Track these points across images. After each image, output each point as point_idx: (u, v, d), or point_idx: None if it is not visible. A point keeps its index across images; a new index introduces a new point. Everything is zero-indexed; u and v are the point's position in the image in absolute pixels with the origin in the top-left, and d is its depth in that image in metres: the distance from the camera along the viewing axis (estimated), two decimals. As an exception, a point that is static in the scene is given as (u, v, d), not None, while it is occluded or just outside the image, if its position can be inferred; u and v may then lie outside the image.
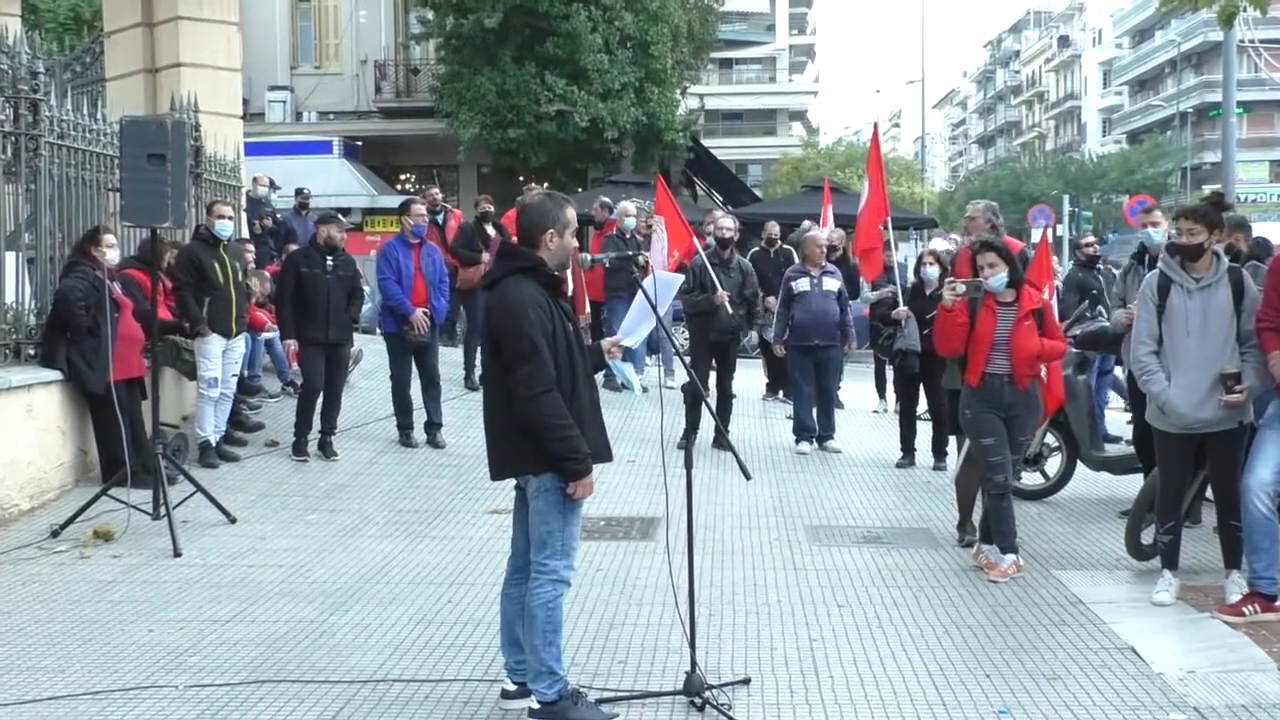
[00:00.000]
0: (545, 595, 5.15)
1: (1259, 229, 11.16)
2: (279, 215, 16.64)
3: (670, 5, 28.84)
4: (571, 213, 5.29)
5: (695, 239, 12.62)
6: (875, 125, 13.92)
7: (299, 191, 17.59)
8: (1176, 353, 6.82)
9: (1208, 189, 29.37)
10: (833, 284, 12.03)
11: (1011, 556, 7.68)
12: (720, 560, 8.05)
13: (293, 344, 11.30)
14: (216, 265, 10.54)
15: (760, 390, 15.17)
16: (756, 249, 15.42)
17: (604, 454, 5.30)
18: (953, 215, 60.19)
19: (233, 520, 8.84)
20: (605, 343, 5.57)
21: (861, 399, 15.01)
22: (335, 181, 30.13)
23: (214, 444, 10.60)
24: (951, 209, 66.27)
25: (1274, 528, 6.51)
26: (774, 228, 15.18)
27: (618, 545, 8.46)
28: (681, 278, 5.88)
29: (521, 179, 28.84)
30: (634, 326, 5.64)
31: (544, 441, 5.02)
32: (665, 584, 7.21)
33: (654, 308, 5.42)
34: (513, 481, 5.33)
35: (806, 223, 14.25)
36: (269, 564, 7.88)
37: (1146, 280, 7.12)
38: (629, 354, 6.49)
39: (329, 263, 11.08)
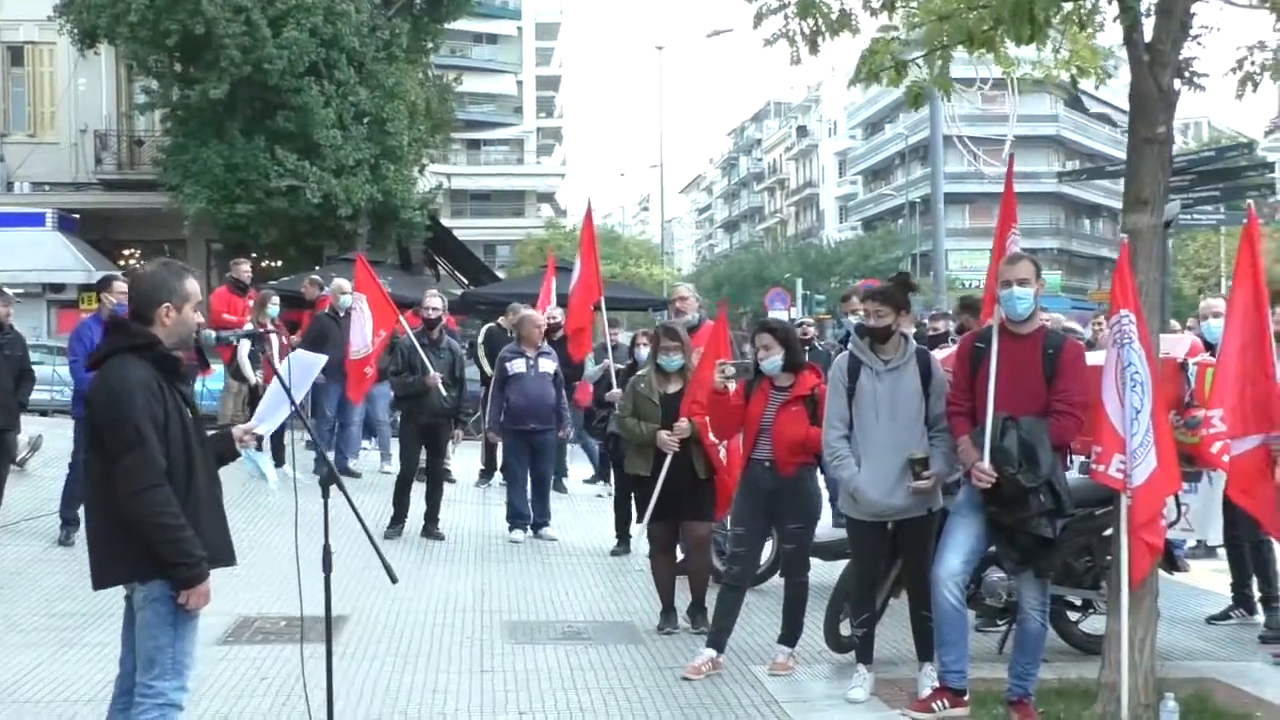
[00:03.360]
0: (152, 724, 4.49)
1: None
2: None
3: (407, 83, 28.36)
4: (193, 285, 4.71)
5: (401, 317, 12.06)
6: (588, 207, 13.66)
7: (-15, 264, 16.26)
8: (866, 437, 6.65)
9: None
10: (549, 365, 11.66)
11: (712, 652, 7.32)
12: (402, 663, 7.47)
13: (-50, 431, 10.21)
14: None
15: (475, 475, 14.62)
16: (493, 326, 14.95)
17: (225, 557, 4.69)
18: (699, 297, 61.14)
19: None
20: (237, 430, 4.98)
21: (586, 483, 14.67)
22: (48, 256, 28.39)
23: None
24: (698, 291, 67.37)
25: (963, 620, 6.34)
26: (521, 308, 14.64)
27: (295, 649, 7.73)
28: (322, 359, 5.36)
29: (254, 255, 27.68)
30: (269, 412, 5.05)
31: (151, 543, 4.39)
32: (347, 691, 6.61)
33: (288, 391, 4.86)
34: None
35: (516, 304, 13.81)
36: (-127, 686, 6.89)
37: (836, 363, 6.97)
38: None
39: (-6, 341, 10.08)
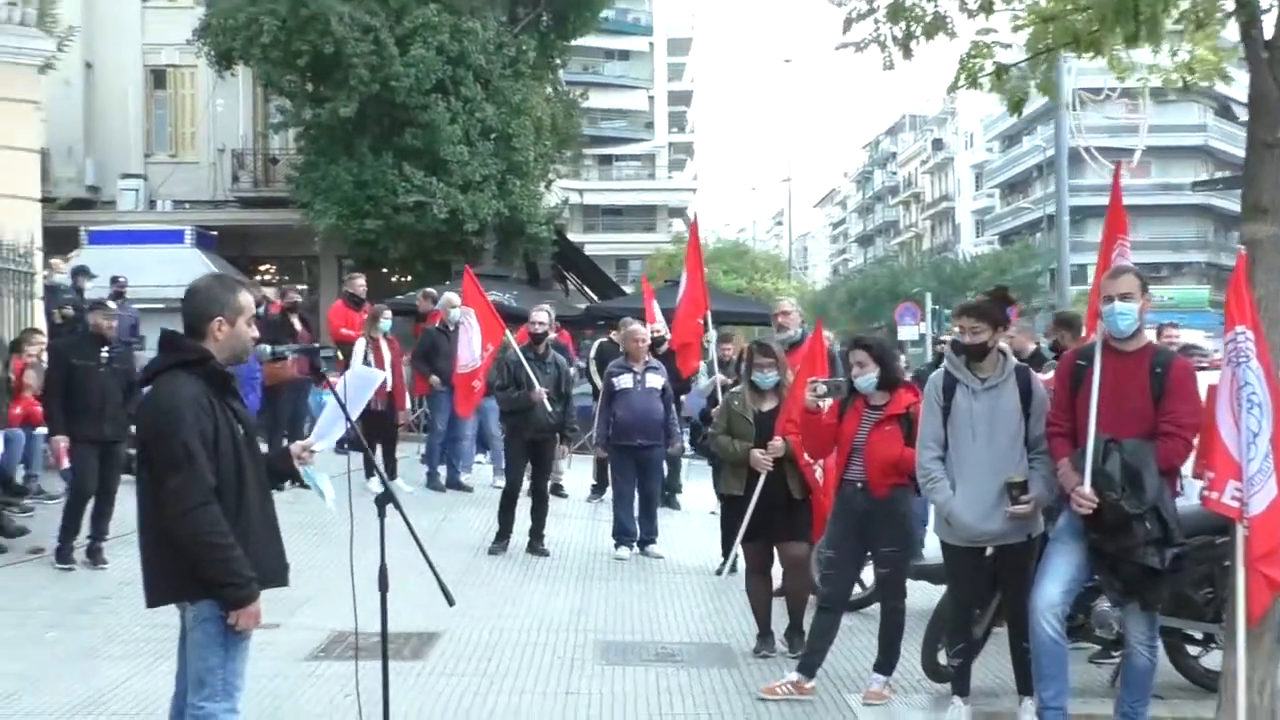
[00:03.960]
0: (203, 745, 4.40)
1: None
2: (87, 304, 15.70)
3: (533, 99, 28.47)
4: (246, 298, 4.64)
5: (507, 331, 11.98)
6: (695, 219, 13.41)
7: (114, 280, 16.70)
8: (962, 458, 6.31)
9: (1075, 290, 29.67)
10: (656, 380, 11.49)
11: (797, 675, 7.06)
12: (488, 683, 7.34)
13: (63, 441, 10.42)
14: (-31, 357, 9.67)
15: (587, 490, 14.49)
16: (604, 341, 14.85)
17: (277, 577, 4.60)
18: (832, 312, 60.73)
19: (-49, 641, 7.92)
20: (295, 447, 4.89)
21: (703, 499, 14.41)
22: (187, 272, 28.94)
23: (-42, 552, 9.65)
24: (832, 306, 66.90)
25: (1063, 652, 5.96)
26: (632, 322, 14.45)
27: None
28: (381, 375, 5.27)
29: (384, 270, 28.10)
30: (327, 429, 4.96)
31: (199, 563, 4.31)
32: (424, 711, 6.54)
33: (344, 408, 4.76)
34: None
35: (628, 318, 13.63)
36: (-31, 693, 6.99)
37: (931, 380, 6.63)
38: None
39: (103, 354, 10.28)
